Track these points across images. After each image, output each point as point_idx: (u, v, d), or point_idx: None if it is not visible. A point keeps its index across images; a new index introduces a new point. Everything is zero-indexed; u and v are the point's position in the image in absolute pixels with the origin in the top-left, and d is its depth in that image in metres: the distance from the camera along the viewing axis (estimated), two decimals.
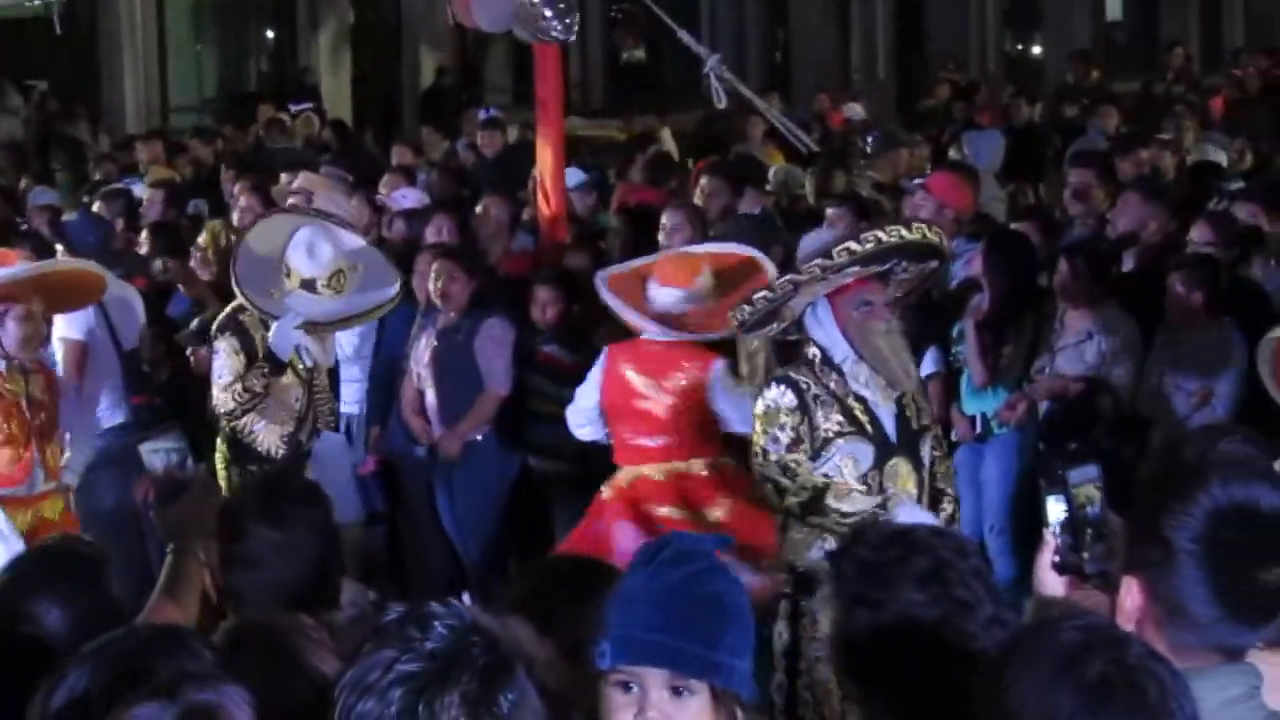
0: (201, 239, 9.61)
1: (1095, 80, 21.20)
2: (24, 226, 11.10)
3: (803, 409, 6.11)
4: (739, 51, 25.57)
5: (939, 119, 18.99)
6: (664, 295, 7.60)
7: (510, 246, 10.38)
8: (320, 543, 4.16)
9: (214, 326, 7.91)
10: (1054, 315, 8.41)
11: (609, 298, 7.70)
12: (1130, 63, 26.82)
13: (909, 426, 6.26)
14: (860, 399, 6.17)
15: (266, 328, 7.72)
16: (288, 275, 7.81)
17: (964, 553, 3.13)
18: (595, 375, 7.70)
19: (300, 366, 7.85)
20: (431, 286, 8.63)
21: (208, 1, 25.36)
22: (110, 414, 8.52)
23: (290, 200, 10.60)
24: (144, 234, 10.65)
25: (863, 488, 6.10)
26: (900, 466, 6.20)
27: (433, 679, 2.44)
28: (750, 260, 7.83)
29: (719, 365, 7.47)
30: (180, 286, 9.96)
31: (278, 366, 7.69)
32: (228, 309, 7.91)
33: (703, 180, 11.10)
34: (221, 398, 7.72)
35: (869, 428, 6.17)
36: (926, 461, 6.31)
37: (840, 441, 6.12)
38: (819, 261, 6.03)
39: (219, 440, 7.91)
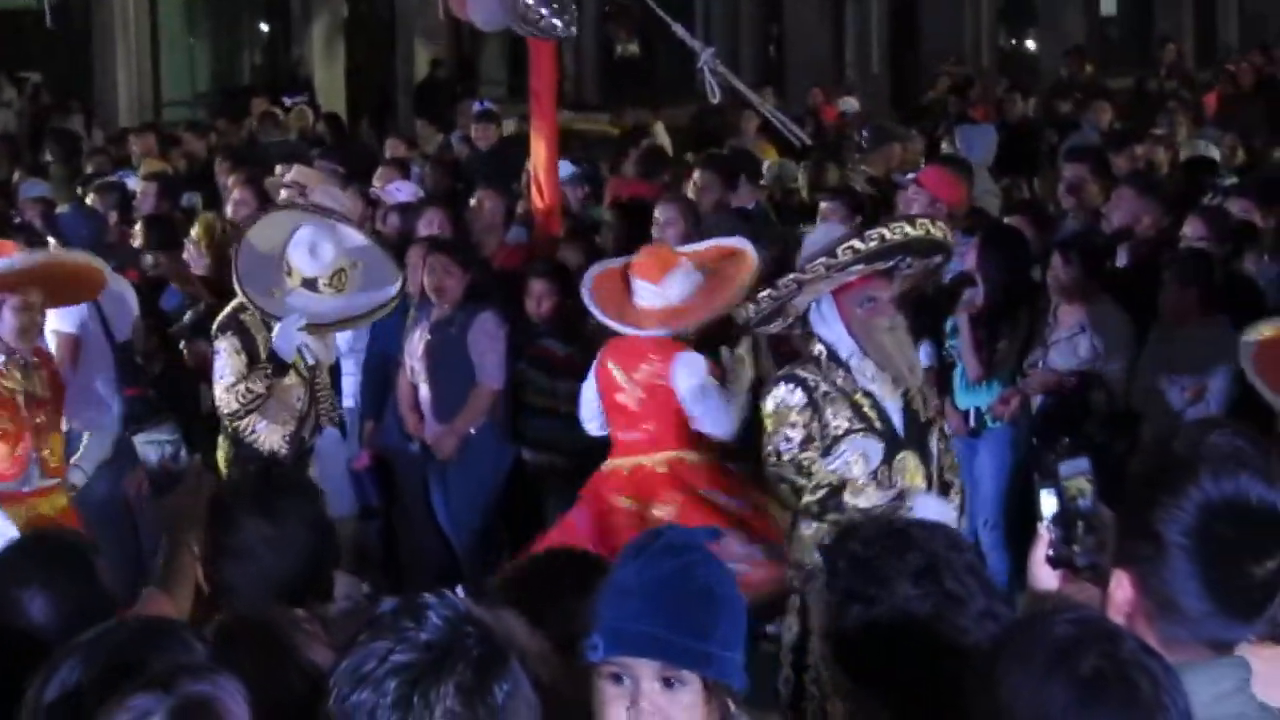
0: (194, 232, 9.59)
1: (1089, 75, 21.25)
2: (16, 219, 11.08)
3: (812, 406, 6.12)
4: (733, 46, 25.59)
5: (937, 113, 19.01)
6: (641, 290, 7.60)
7: (504, 239, 10.39)
8: (313, 535, 4.15)
9: (215, 326, 7.84)
10: (1047, 310, 8.42)
11: (587, 298, 7.72)
12: (1124, 58, 26.83)
13: (916, 420, 6.28)
14: (868, 394, 6.18)
15: (268, 327, 7.67)
16: (289, 274, 7.76)
17: (957, 547, 3.13)
18: (592, 369, 7.73)
19: (302, 365, 7.81)
20: (426, 280, 8.62)
21: None
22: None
23: (283, 193, 10.60)
24: (138, 227, 10.64)
25: (873, 484, 6.12)
26: (909, 460, 6.21)
27: (427, 669, 2.44)
28: (732, 250, 7.84)
29: (680, 358, 7.46)
30: (172, 282, 9.95)
31: (281, 368, 7.65)
32: (229, 308, 7.84)
33: (695, 174, 11.11)
34: (225, 398, 7.67)
35: (878, 423, 6.18)
36: (935, 454, 6.33)
37: (850, 438, 6.13)
38: (824, 260, 6.04)
39: (221, 439, 7.88)
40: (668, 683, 2.92)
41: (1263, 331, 7.04)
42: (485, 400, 8.65)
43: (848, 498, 6.06)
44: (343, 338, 9.02)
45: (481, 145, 14.96)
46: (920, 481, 6.22)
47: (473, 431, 8.65)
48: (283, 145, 15.80)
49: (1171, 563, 2.80)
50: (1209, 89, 19.26)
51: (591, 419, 7.77)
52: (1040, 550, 3.29)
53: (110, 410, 7.87)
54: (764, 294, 6.24)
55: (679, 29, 10.18)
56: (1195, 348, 7.96)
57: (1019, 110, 17.50)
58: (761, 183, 12.14)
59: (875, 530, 3.18)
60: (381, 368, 9.12)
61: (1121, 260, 9.29)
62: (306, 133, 17.66)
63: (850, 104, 19.26)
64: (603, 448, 7.77)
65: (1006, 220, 9.77)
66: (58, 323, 8.21)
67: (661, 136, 16.55)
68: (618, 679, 2.94)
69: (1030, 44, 29.90)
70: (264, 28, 26.25)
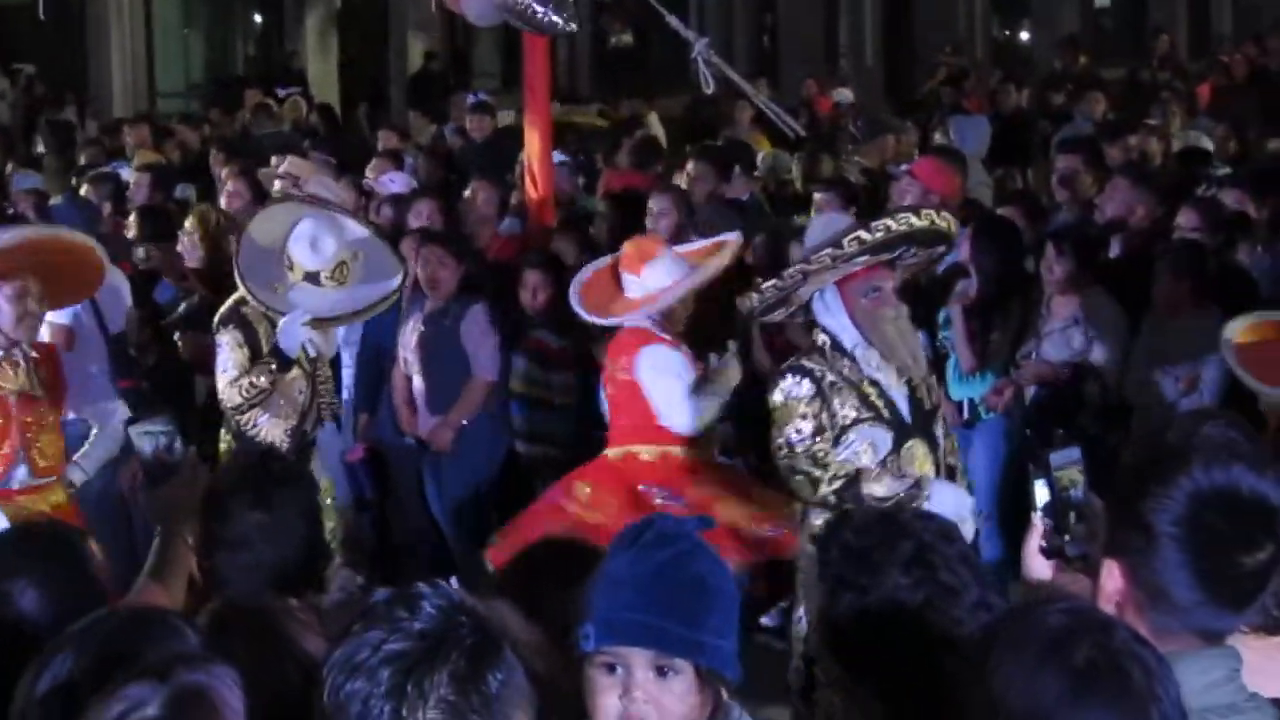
0: (189, 223, 9.59)
1: (1083, 66, 21.23)
2: (10, 211, 11.08)
3: (820, 397, 6.12)
4: (727, 36, 25.56)
5: (931, 105, 19.01)
6: (626, 282, 7.61)
7: (498, 231, 10.39)
8: (306, 525, 4.16)
9: (216, 319, 7.78)
10: (1040, 301, 8.43)
11: (574, 292, 7.72)
12: (1118, 49, 26.83)
13: (922, 407, 6.29)
14: (874, 383, 6.19)
15: (270, 320, 7.64)
16: (290, 268, 7.70)
17: (949, 537, 3.14)
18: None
19: (304, 358, 7.77)
20: (419, 272, 8.61)
21: None
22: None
23: (277, 184, 10.59)
24: (131, 218, 10.63)
25: (886, 473, 6.12)
26: (917, 449, 6.22)
27: (421, 658, 2.44)
28: (720, 244, 7.86)
29: (645, 350, 7.46)
30: (164, 275, 9.94)
31: (285, 363, 7.61)
32: (230, 301, 7.77)
33: (689, 165, 11.11)
34: (228, 392, 7.62)
35: (885, 412, 6.19)
36: (940, 441, 6.34)
37: (858, 427, 6.14)
38: (829, 250, 6.04)
39: (223, 432, 7.85)
40: (660, 672, 2.93)
41: (1239, 331, 7.10)
42: (480, 392, 8.65)
43: (864, 487, 6.07)
44: (342, 329, 9.02)
45: (476, 137, 14.95)
46: (929, 469, 6.23)
47: (465, 423, 8.65)
48: (276, 136, 15.79)
49: (1162, 553, 2.81)
50: (1202, 80, 19.25)
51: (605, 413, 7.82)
52: (1034, 541, 3.29)
53: (116, 401, 7.79)
54: (769, 284, 6.25)
55: (673, 20, 10.17)
56: (1188, 339, 7.97)
57: (1012, 101, 17.49)
58: (755, 174, 12.14)
59: (868, 519, 3.19)
60: (375, 360, 9.12)
61: (1114, 251, 9.30)
62: (300, 124, 17.65)
63: (845, 95, 19.25)
64: (595, 439, 7.78)
65: (999, 211, 9.77)
66: (51, 314, 8.18)
67: (655, 127, 16.54)
68: (610, 669, 2.95)
69: (1024, 35, 29.90)
70: (258, 19, 26.24)
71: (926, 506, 5.84)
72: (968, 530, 6.11)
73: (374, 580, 8.40)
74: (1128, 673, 2.44)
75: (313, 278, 7.68)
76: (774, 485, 6.83)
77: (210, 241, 9.28)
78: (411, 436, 8.79)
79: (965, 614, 3.02)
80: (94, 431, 7.52)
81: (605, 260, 7.97)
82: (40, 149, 15.77)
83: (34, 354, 7.08)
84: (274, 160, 11.72)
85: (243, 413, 7.64)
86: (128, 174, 12.76)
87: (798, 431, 6.12)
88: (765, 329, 8.44)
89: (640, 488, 7.36)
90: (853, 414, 6.14)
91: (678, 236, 8.91)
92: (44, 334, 7.84)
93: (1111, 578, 2.88)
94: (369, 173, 12.11)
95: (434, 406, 8.67)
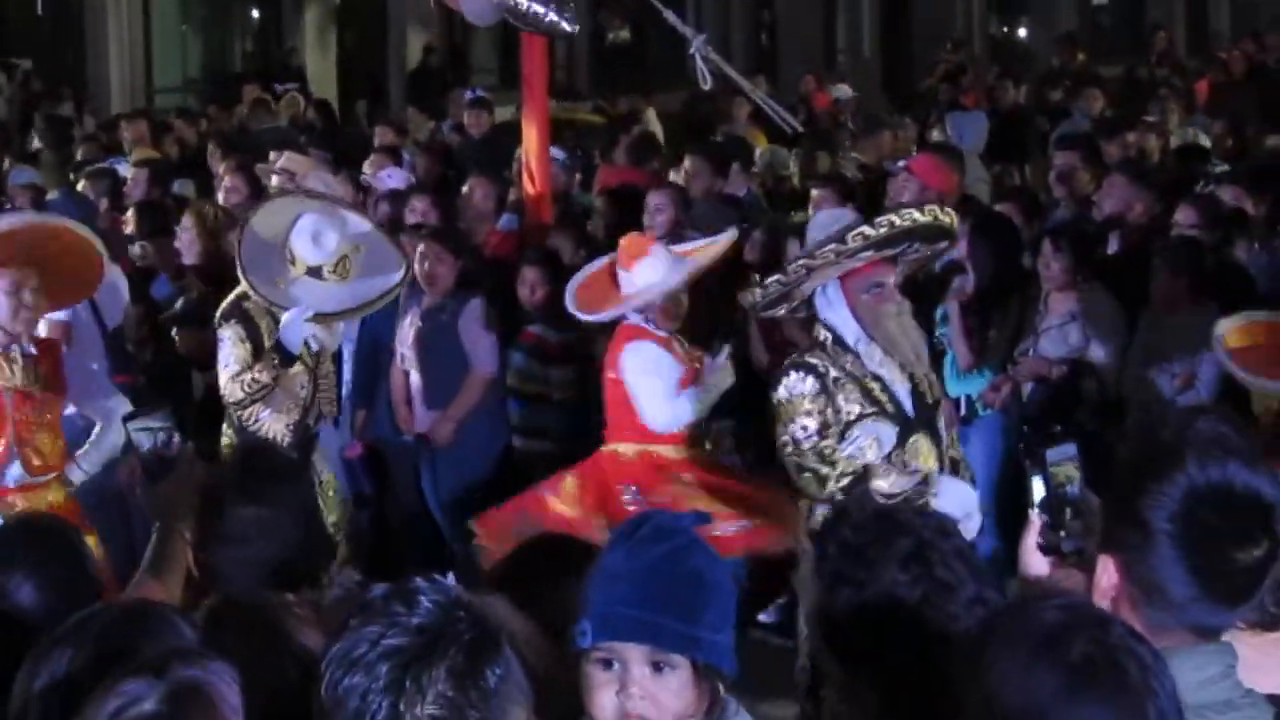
0: (186, 219, 9.57)
1: (1080, 63, 21.25)
2: (7, 206, 11.07)
3: (825, 393, 6.13)
4: (725, 32, 25.55)
5: (928, 101, 19.01)
6: (620, 278, 7.62)
7: (495, 227, 10.38)
8: (304, 520, 4.16)
9: (218, 314, 7.75)
10: (1038, 298, 8.43)
11: (569, 290, 7.73)
12: (1115, 46, 26.85)
13: (924, 401, 6.30)
14: (877, 378, 6.19)
15: (272, 315, 7.61)
16: (292, 263, 7.67)
17: (946, 533, 3.14)
18: None
19: (307, 354, 7.75)
20: (417, 268, 8.61)
21: None
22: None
23: (274, 180, 10.58)
24: (129, 214, 10.62)
25: (892, 468, 6.12)
26: (921, 443, 6.23)
27: (419, 653, 2.45)
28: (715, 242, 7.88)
29: (629, 346, 7.47)
30: (160, 270, 9.93)
31: (288, 359, 7.60)
32: (231, 295, 7.74)
33: (686, 161, 11.11)
34: (230, 387, 7.59)
35: (889, 406, 6.19)
36: (943, 435, 6.35)
37: (863, 422, 6.14)
38: (833, 246, 6.05)
39: (225, 427, 7.83)
40: (657, 667, 2.93)
41: (1230, 331, 7.12)
42: (479, 387, 8.65)
43: (873, 483, 6.06)
44: (343, 324, 9.01)
45: (474, 133, 14.94)
46: (933, 463, 6.23)
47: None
48: (274, 132, 15.77)
49: (1157, 549, 2.81)
50: (1200, 77, 19.27)
51: None
52: (1031, 537, 3.30)
53: (118, 398, 7.74)
54: (773, 279, 6.26)
55: (670, 15, 10.17)
56: (1186, 335, 7.98)
57: (1010, 98, 17.50)
58: (753, 170, 12.15)
59: (866, 515, 3.19)
60: (373, 357, 9.11)
61: (1112, 248, 9.30)
62: (297, 120, 17.65)
63: (842, 91, 19.24)
64: (593, 435, 7.79)
65: (997, 208, 9.78)
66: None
67: (653, 123, 16.54)
68: (607, 664, 2.95)
69: (1022, 31, 29.91)
70: (255, 15, 26.21)
71: (933, 502, 5.86)
72: (973, 525, 6.13)
73: (372, 576, 8.39)
74: (1124, 668, 2.44)
75: (315, 272, 7.66)
76: (774, 482, 6.84)
77: (208, 237, 9.26)
78: (409, 434, 8.78)
79: (962, 610, 3.03)
80: (96, 429, 7.46)
81: (602, 261, 7.98)
82: (37, 144, 15.74)
83: (33, 350, 6.99)
84: (272, 156, 11.71)
85: (244, 408, 7.62)
86: (125, 169, 12.75)
87: (803, 428, 6.12)
88: (763, 325, 8.43)
89: (616, 486, 7.38)
90: (857, 409, 6.14)
91: (675, 232, 8.92)
92: (41, 329, 7.82)
93: (1107, 573, 2.88)
94: (366, 168, 12.10)
95: (431, 402, 8.67)
